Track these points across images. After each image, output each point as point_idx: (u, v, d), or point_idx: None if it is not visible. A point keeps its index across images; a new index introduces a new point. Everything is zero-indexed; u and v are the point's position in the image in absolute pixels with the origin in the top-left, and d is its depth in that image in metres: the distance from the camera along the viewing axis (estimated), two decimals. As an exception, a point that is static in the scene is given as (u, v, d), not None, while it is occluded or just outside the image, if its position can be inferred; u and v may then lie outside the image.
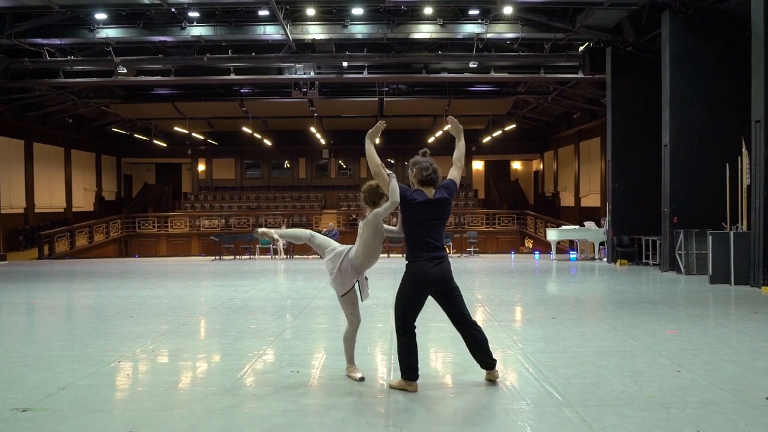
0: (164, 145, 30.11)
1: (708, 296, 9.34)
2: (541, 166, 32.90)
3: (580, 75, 18.26)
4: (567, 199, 28.71)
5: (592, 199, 25.39)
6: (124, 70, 17.50)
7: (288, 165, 34.37)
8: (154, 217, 29.23)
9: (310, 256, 20.19)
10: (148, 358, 5.39)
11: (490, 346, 4.40)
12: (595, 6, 13.85)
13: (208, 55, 17.24)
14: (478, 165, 34.34)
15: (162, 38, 16.29)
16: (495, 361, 4.45)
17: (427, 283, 4.17)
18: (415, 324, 4.28)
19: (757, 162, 10.04)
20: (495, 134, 28.32)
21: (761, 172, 9.97)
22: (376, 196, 4.29)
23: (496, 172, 34.88)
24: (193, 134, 28.96)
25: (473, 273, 13.85)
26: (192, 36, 15.99)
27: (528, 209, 30.40)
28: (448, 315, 4.40)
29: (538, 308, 8.14)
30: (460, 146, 4.45)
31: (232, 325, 7.26)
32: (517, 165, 35.51)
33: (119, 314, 7.94)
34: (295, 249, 20.16)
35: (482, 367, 4.46)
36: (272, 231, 4.63)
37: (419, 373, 4.26)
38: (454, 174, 4.40)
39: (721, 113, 12.72)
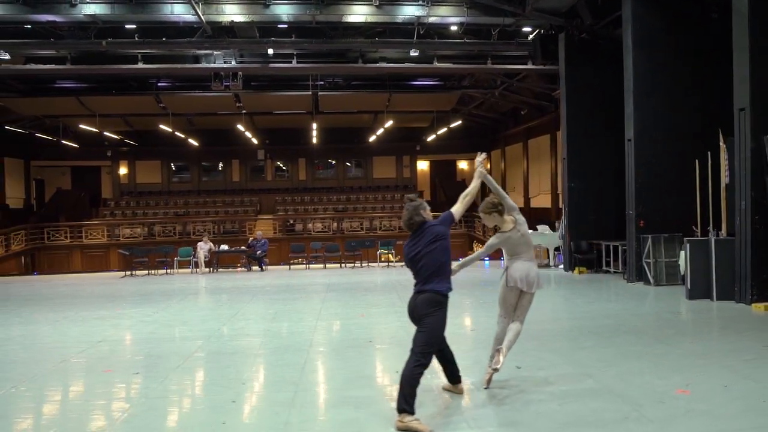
0: (76, 146, 26.96)
1: (695, 319, 7.82)
2: (488, 166, 31.56)
3: (530, 66, 16.80)
4: (515, 200, 27.03)
5: (542, 200, 24.15)
6: (7, 56, 14.80)
7: (221, 167, 31.83)
8: (65, 226, 26.11)
9: (239, 269, 17.93)
10: None
11: None
12: (549, -16, 12.35)
13: (108, 39, 14.78)
14: (423, 165, 32.74)
15: (49, 17, 13.83)
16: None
17: None
18: None
19: (743, 157, 8.60)
20: (440, 132, 26.71)
21: (747, 168, 8.53)
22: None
23: (442, 172, 33.33)
24: (107, 134, 25.88)
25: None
26: (85, 15, 13.60)
27: (475, 211, 28.94)
28: None
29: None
30: (473, 186, 4.65)
31: (61, 404, 5.12)
32: (463, 165, 34.06)
33: None
34: (219, 261, 17.86)
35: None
36: None
37: None
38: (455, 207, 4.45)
39: (689, 103, 11.40)
